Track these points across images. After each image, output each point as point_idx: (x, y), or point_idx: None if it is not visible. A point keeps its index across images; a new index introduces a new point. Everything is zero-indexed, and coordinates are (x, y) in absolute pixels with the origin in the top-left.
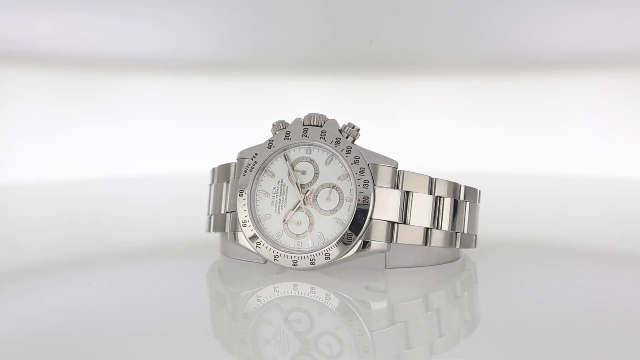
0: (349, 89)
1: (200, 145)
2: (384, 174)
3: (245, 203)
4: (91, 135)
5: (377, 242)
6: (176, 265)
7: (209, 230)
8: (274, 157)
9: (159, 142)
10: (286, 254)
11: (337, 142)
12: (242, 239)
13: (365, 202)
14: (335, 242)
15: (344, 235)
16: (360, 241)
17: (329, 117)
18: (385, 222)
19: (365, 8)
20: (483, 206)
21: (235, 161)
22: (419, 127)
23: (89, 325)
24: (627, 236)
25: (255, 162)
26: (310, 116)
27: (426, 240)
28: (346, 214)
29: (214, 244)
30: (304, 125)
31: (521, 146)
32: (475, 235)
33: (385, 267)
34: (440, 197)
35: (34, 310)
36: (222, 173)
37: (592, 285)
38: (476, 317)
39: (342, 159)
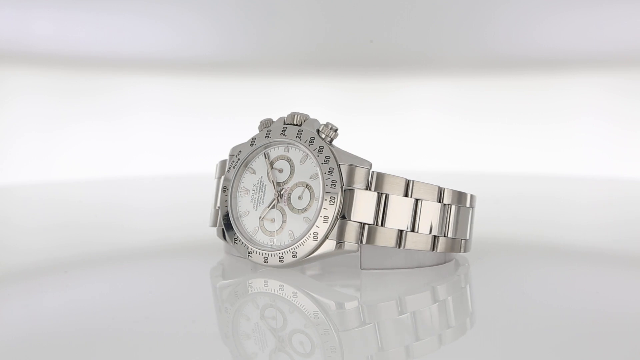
0: (349, 89)
1: (200, 145)
2: (358, 175)
3: (227, 199)
4: (91, 135)
5: (347, 243)
6: (176, 265)
7: (210, 225)
8: (256, 154)
9: (158, 142)
10: (259, 250)
11: (311, 142)
12: (226, 234)
13: (332, 202)
14: (302, 240)
15: (310, 234)
16: (327, 241)
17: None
18: (356, 223)
19: (366, 8)
20: (482, 207)
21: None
22: (419, 127)
23: (88, 325)
24: (627, 236)
25: (239, 159)
26: (292, 115)
27: (400, 242)
28: (314, 213)
29: (213, 243)
30: (284, 124)
31: (521, 146)
32: (465, 239)
33: (360, 268)
34: (419, 199)
35: (34, 311)
36: (221, 168)
37: (592, 285)
38: (463, 321)
39: (314, 158)
